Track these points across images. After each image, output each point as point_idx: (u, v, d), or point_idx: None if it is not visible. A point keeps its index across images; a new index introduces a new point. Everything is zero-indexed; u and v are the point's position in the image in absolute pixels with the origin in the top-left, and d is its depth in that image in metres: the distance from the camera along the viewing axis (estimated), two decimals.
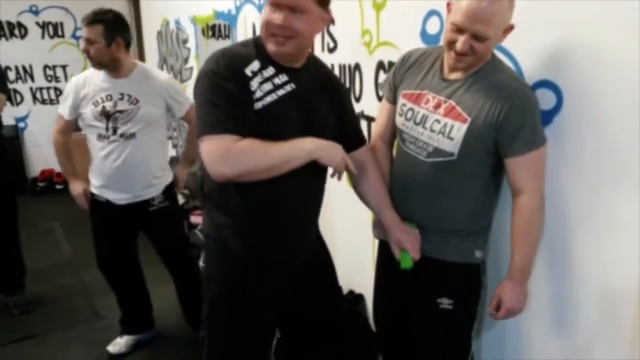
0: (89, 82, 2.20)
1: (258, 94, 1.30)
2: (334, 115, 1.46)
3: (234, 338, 1.50)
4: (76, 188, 2.33)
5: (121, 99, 2.16)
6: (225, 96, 1.27)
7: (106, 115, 2.15)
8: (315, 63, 1.46)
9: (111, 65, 2.16)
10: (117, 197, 2.25)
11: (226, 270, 1.48)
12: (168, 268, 2.52)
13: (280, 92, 1.32)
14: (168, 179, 2.37)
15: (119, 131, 2.16)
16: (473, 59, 1.32)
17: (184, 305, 2.63)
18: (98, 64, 2.15)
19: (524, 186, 1.35)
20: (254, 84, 1.30)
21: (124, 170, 2.20)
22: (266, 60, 1.33)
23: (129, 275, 2.49)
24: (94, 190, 2.30)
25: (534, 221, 1.37)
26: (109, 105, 2.15)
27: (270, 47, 1.30)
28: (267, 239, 1.44)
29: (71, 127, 2.31)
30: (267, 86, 1.31)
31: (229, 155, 1.25)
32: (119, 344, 2.53)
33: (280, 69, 1.34)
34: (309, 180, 1.43)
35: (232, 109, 1.27)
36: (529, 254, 1.39)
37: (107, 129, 2.16)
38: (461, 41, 1.28)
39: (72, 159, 2.36)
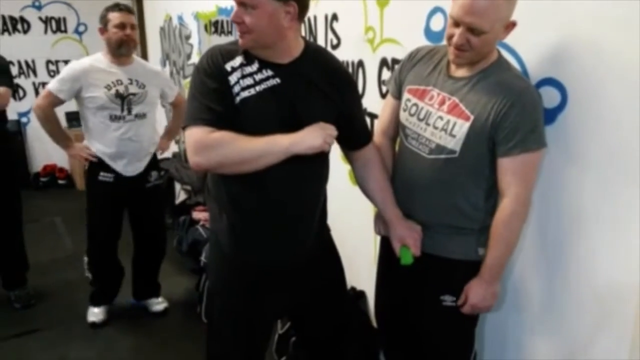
0: (94, 68, 2.40)
1: (236, 89, 1.32)
2: (332, 112, 1.41)
3: (228, 329, 1.53)
4: (78, 145, 2.55)
5: (130, 83, 2.44)
6: (204, 90, 1.31)
7: (121, 97, 2.41)
8: (318, 57, 1.43)
9: (133, 51, 2.46)
10: (127, 169, 2.51)
11: (219, 267, 1.52)
12: (139, 240, 2.75)
13: (260, 87, 1.33)
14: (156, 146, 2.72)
15: (134, 112, 2.45)
16: (472, 55, 1.32)
17: (137, 272, 2.83)
18: (134, 47, 2.46)
19: (508, 188, 1.34)
20: (233, 78, 1.32)
21: (137, 144, 2.50)
22: (252, 56, 1.34)
23: (115, 251, 2.68)
24: (107, 163, 2.48)
25: (511, 225, 1.37)
26: (121, 88, 2.41)
27: (240, 39, 1.32)
28: (257, 239, 1.44)
29: (59, 105, 2.45)
30: (247, 81, 1.32)
31: (202, 145, 1.28)
32: (98, 314, 2.71)
33: (265, 65, 1.34)
34: (302, 173, 1.39)
35: (210, 102, 1.30)
36: (501, 256, 1.40)
37: (122, 109, 2.42)
38: (457, 34, 1.29)
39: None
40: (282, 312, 1.81)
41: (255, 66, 1.33)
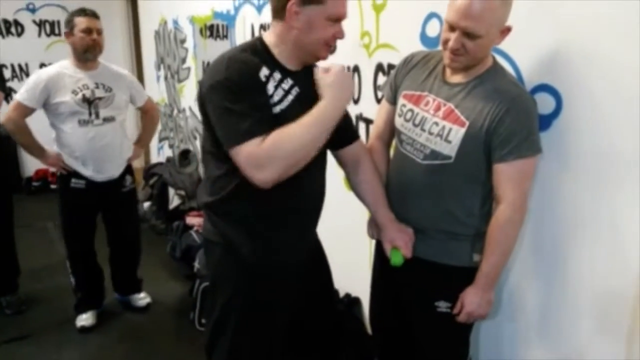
0: (61, 75, 2.42)
1: (276, 98, 1.30)
2: None
3: (247, 343, 1.47)
4: (52, 154, 2.52)
5: (97, 87, 2.46)
6: (244, 102, 1.24)
7: (88, 101, 2.42)
8: None
9: (98, 55, 2.48)
10: (99, 176, 2.51)
11: (237, 276, 1.44)
12: (115, 243, 2.78)
13: (289, 97, 1.33)
14: (130, 151, 2.71)
15: (102, 115, 2.46)
16: (467, 59, 1.32)
17: (116, 271, 2.87)
18: (100, 52, 2.47)
19: (504, 195, 1.35)
20: (270, 88, 1.30)
21: (108, 149, 2.50)
22: (272, 65, 1.33)
23: (94, 255, 2.71)
24: (75, 168, 2.48)
25: (506, 231, 1.37)
26: (87, 92, 2.43)
27: (326, 55, 1.38)
28: (280, 240, 1.43)
29: (29, 114, 2.46)
30: (280, 91, 1.31)
31: (258, 160, 1.20)
32: (87, 318, 2.69)
33: (286, 74, 1.34)
34: (320, 177, 1.46)
35: (254, 112, 1.23)
36: (497, 262, 1.39)
37: (90, 114, 2.43)
38: (453, 38, 1.29)
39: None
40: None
41: (278, 75, 1.32)
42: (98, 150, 2.47)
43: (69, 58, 2.48)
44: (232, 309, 1.45)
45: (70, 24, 2.42)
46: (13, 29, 4.98)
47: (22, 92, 2.40)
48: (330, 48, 1.36)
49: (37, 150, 2.55)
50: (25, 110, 2.41)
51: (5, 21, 4.93)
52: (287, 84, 1.33)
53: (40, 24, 5.08)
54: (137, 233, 2.88)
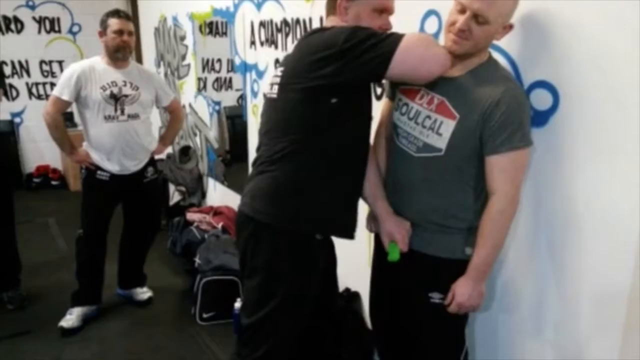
0: (92, 69, 2.53)
1: None
2: None
3: (290, 329, 1.56)
4: (80, 152, 2.63)
5: (124, 85, 2.57)
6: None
7: (115, 98, 2.54)
8: None
9: (129, 55, 2.60)
10: (121, 169, 2.61)
11: (302, 262, 1.50)
12: (132, 229, 2.86)
13: None
14: (153, 148, 2.81)
15: (126, 112, 2.57)
16: (469, 45, 1.33)
17: (125, 261, 2.92)
18: (130, 52, 2.60)
19: (496, 186, 1.36)
20: None
21: (131, 144, 2.60)
22: None
23: (104, 248, 2.73)
24: (100, 165, 2.59)
25: (498, 223, 1.38)
26: (115, 89, 2.54)
27: None
28: (349, 217, 1.55)
29: (66, 109, 2.60)
30: None
31: (427, 40, 1.37)
32: (70, 319, 2.66)
33: None
34: None
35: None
36: (488, 254, 1.40)
37: (115, 109, 2.54)
38: (461, 20, 1.29)
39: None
40: None
41: None
42: (122, 146, 2.57)
43: (100, 55, 2.60)
44: (293, 295, 1.51)
45: (104, 24, 2.54)
46: (13, 26, 4.98)
47: (58, 87, 2.51)
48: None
49: (68, 147, 2.63)
50: (62, 105, 2.53)
51: (5, 18, 4.93)
52: None
53: (40, 21, 5.08)
54: (157, 223, 2.98)
